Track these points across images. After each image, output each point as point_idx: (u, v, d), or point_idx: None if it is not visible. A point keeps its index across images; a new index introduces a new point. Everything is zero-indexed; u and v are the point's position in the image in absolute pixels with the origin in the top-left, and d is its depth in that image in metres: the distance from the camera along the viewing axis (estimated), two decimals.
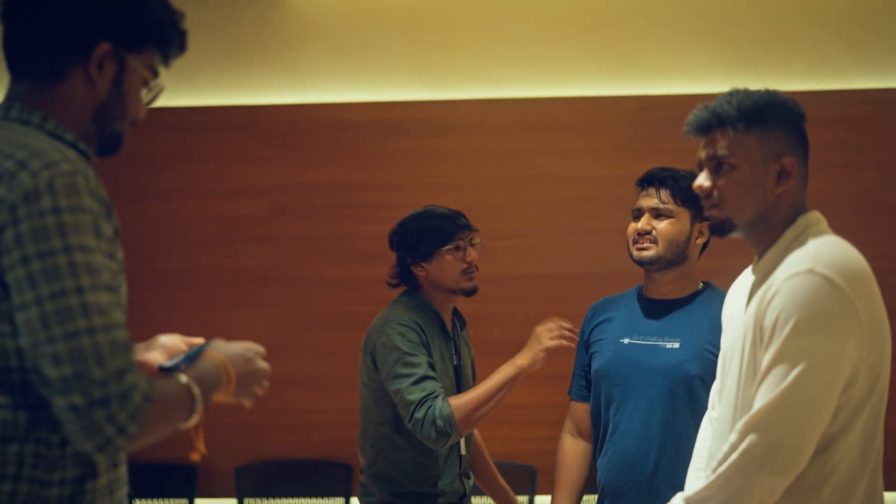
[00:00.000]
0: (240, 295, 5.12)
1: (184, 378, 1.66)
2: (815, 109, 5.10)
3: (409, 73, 5.20)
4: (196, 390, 1.66)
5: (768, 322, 2.00)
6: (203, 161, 5.14)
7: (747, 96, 2.15)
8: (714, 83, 5.08)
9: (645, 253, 2.96)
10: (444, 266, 3.18)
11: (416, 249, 3.20)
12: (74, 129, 1.71)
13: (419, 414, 2.96)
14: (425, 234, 3.20)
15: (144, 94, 1.80)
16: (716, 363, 2.43)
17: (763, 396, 1.96)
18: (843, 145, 5.03)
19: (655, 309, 3.01)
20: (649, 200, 3.00)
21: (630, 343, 2.97)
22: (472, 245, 3.22)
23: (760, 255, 2.17)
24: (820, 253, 2.06)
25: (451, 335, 3.24)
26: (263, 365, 1.86)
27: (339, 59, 5.21)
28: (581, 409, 3.13)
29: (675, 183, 2.98)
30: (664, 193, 2.98)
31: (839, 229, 5.16)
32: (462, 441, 3.17)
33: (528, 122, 5.08)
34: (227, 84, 5.14)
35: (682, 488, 2.23)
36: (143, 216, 5.00)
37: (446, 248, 3.17)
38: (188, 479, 4.98)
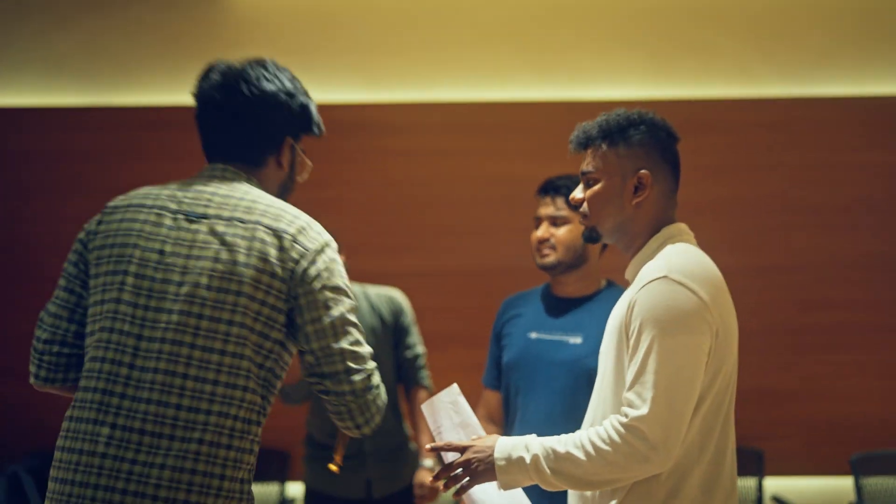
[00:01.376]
0: None
1: None
2: (732, 115, 5.41)
3: (349, 75, 5.35)
4: None
5: (633, 328, 2.18)
6: (141, 159, 5.23)
7: (614, 117, 2.40)
8: (638, 88, 5.32)
9: (546, 259, 3.16)
10: None
11: None
12: None
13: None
14: None
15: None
16: None
17: (643, 395, 2.11)
18: (756, 149, 5.29)
19: (560, 306, 3.20)
20: (547, 209, 3.20)
21: (537, 338, 3.15)
22: None
23: (631, 259, 2.38)
24: (673, 261, 2.23)
25: None
26: None
27: (280, 61, 5.34)
28: (493, 397, 3.32)
29: (570, 190, 3.13)
30: (559, 201, 3.17)
31: (752, 228, 5.48)
32: None
33: (463, 124, 5.26)
34: (167, 84, 5.26)
35: None
36: (79, 211, 5.07)
37: None
38: None
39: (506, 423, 3.24)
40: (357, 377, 2.13)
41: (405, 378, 3.91)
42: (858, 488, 4.84)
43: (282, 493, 5.11)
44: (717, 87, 5.33)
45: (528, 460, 2.19)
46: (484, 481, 2.27)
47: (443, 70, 5.35)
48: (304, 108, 2.38)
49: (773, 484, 5.15)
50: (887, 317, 5.22)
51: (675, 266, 2.21)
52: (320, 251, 2.18)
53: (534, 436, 2.24)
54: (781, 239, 5.27)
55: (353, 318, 2.16)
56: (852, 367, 5.21)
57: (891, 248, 5.25)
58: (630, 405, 2.13)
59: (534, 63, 5.36)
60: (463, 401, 2.50)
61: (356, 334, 2.16)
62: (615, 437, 2.12)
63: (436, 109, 5.29)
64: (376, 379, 2.17)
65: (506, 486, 2.25)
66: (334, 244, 2.24)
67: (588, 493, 2.29)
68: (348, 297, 2.18)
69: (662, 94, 5.31)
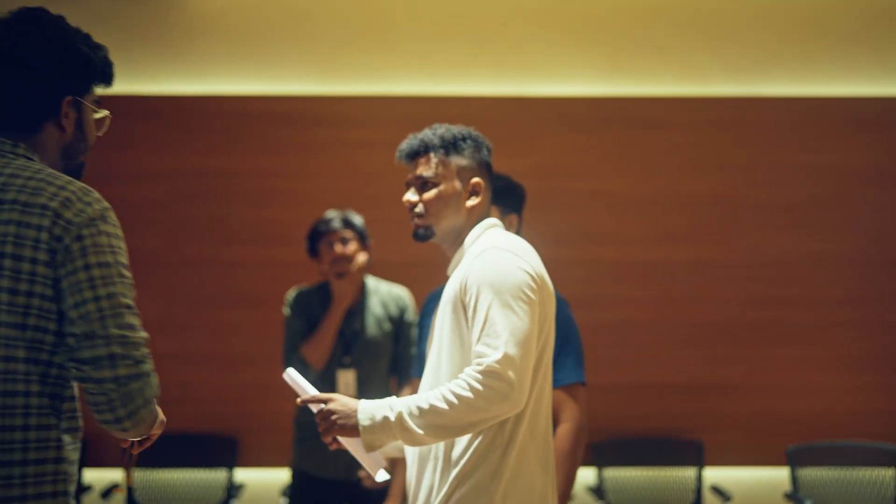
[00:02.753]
0: (134, 275, 5.25)
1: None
2: (681, 113, 5.51)
3: (304, 67, 5.37)
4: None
5: (470, 294, 2.44)
6: (103, 147, 5.21)
7: (448, 130, 2.66)
8: (590, 85, 5.40)
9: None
10: (321, 258, 4.08)
11: (309, 248, 4.13)
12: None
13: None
14: (309, 237, 4.12)
15: (95, 122, 2.15)
16: None
17: (493, 344, 2.35)
18: (704, 147, 5.38)
19: None
20: None
21: None
22: (344, 242, 4.02)
23: (452, 257, 2.65)
24: (497, 238, 2.55)
25: (353, 309, 4.09)
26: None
27: (236, 52, 5.37)
28: (418, 385, 3.46)
29: None
30: None
31: (699, 225, 5.57)
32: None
33: (417, 118, 5.20)
34: (127, 73, 5.26)
35: None
36: None
37: (321, 244, 4.07)
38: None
39: None
40: (122, 363, 1.88)
41: (401, 370, 4.13)
42: (794, 479, 4.98)
43: (230, 478, 5.15)
44: (668, 85, 5.42)
45: (392, 419, 2.38)
46: (344, 436, 2.44)
47: (398, 64, 5.40)
48: (82, 59, 2.06)
49: (712, 474, 5.28)
50: (826, 314, 5.35)
51: (498, 241, 2.52)
52: (88, 224, 1.92)
53: (395, 397, 2.45)
54: (728, 236, 5.38)
55: (125, 299, 1.92)
56: (792, 362, 5.33)
57: (833, 248, 5.37)
58: (482, 355, 2.36)
59: (488, 59, 5.41)
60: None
61: (128, 317, 1.91)
62: (474, 383, 2.33)
63: (390, 103, 5.33)
64: (147, 367, 1.92)
65: (369, 447, 2.40)
66: (110, 215, 1.97)
67: (434, 455, 2.50)
68: (122, 275, 1.93)
69: (613, 91, 5.39)
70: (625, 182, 5.39)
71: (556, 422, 2.94)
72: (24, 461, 1.88)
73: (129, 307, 1.92)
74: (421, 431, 2.36)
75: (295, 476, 4.09)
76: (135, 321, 1.93)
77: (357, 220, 4.10)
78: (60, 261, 1.90)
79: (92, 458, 5.17)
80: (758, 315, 5.35)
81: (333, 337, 3.99)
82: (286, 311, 4.10)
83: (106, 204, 1.98)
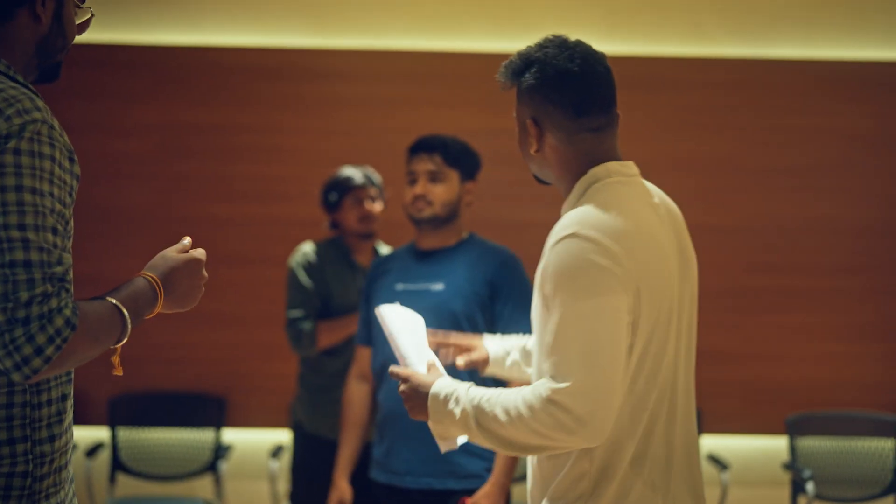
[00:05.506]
0: (123, 230, 5.16)
1: (114, 300, 1.71)
2: (684, 73, 5.38)
3: (299, 20, 5.26)
4: (126, 312, 1.72)
5: (547, 290, 2.00)
6: (91, 98, 5.12)
7: (516, 60, 2.14)
8: (592, 43, 5.25)
9: (422, 214, 3.26)
10: (345, 214, 3.95)
11: (326, 201, 4.00)
12: (18, 65, 1.76)
13: (287, 331, 3.91)
14: (331, 189, 3.99)
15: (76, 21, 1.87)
16: (477, 300, 3.11)
17: (561, 367, 1.94)
18: (707, 109, 5.28)
19: (424, 258, 3.31)
20: (424, 165, 3.26)
21: (403, 289, 3.24)
22: (372, 199, 3.90)
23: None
24: (587, 215, 2.04)
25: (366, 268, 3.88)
26: (200, 276, 1.94)
27: (232, 2, 5.24)
28: (365, 352, 3.40)
29: (446, 148, 3.27)
30: (437, 157, 3.26)
31: (700, 188, 5.46)
32: None
33: (414, 73, 5.19)
34: (116, 21, 5.12)
35: None
36: None
37: (347, 199, 3.94)
38: None
39: (376, 376, 3.31)
40: (2, 306, 1.57)
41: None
42: (793, 448, 4.91)
43: (217, 439, 5.06)
44: (671, 44, 5.31)
45: (457, 415, 2.05)
46: (418, 419, 2.16)
47: (395, 18, 5.28)
48: None
49: (710, 442, 5.21)
50: (829, 280, 5.27)
51: (586, 219, 2.02)
52: None
53: (466, 387, 2.10)
54: (729, 200, 5.29)
55: (19, 232, 1.58)
56: (792, 329, 5.26)
57: (836, 213, 5.28)
58: (551, 376, 1.96)
59: (488, 14, 5.30)
60: (411, 313, 2.50)
61: (19, 252, 1.58)
62: (537, 406, 1.94)
63: (386, 57, 5.22)
64: (39, 309, 1.58)
65: (440, 437, 2.13)
66: (32, 128, 1.62)
67: (536, 471, 2.13)
68: (22, 202, 1.58)
69: (616, 50, 5.26)
70: (624, 143, 5.26)
71: None
72: None
73: (25, 241, 1.58)
74: (482, 437, 2.02)
75: (298, 437, 3.99)
76: (33, 256, 1.58)
77: (377, 177, 4.03)
78: None
79: (76, 415, 5.08)
80: (757, 281, 5.27)
81: (349, 333, 3.84)
82: (296, 267, 3.92)
83: (34, 115, 1.63)
